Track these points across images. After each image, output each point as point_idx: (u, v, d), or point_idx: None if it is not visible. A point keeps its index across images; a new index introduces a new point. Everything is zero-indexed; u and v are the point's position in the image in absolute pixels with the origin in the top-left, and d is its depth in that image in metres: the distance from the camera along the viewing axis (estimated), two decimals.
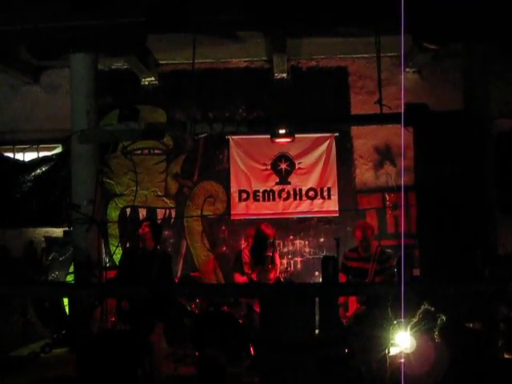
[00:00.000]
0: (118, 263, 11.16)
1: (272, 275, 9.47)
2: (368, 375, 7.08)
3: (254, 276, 9.45)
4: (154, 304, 7.49)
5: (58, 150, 11.76)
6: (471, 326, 7.44)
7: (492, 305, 7.16)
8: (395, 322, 8.17)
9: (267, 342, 4.98)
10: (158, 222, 11.44)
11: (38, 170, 11.34)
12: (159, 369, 7.68)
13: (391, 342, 8.26)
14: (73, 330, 8.67)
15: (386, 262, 8.74)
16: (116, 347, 7.07)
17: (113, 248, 11.67)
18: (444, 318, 6.98)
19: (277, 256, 9.77)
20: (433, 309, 6.83)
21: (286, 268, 11.45)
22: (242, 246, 11.00)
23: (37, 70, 12.24)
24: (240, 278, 9.60)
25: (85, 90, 9.44)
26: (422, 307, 6.94)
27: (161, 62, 11.98)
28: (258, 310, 8.91)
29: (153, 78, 11.97)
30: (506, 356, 7.48)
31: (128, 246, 11.17)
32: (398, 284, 4.54)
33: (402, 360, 6.83)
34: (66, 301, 10.69)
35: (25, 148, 12.22)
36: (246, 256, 9.67)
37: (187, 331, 9.06)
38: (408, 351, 9.17)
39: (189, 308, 9.38)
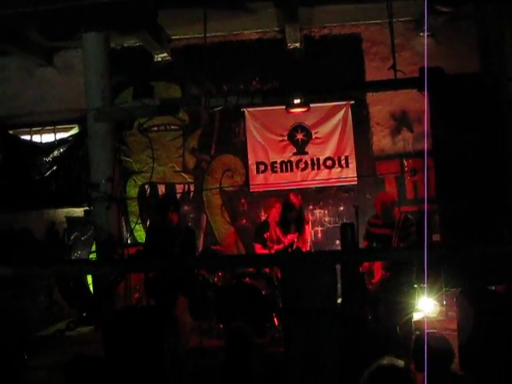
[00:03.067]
0: (140, 240, 11.27)
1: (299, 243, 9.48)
2: (393, 340, 7.12)
3: (286, 241, 9.46)
4: (178, 277, 7.54)
5: (75, 130, 11.78)
6: (493, 288, 7.45)
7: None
8: (419, 287, 8.22)
9: (290, 311, 5.01)
10: (178, 196, 11.52)
11: (56, 152, 11.38)
12: (184, 342, 7.73)
13: (415, 307, 8.32)
14: (98, 308, 8.77)
15: (409, 227, 8.71)
16: (141, 323, 7.14)
17: (133, 225, 11.74)
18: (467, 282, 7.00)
19: (307, 227, 9.74)
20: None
21: None
22: (263, 218, 11.01)
23: (50, 52, 12.27)
24: (261, 250, 9.63)
25: (98, 69, 9.44)
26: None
27: (173, 37, 11.95)
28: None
29: (165, 54, 11.95)
30: None
31: (150, 222, 11.20)
32: (419, 248, 4.52)
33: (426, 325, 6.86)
34: (89, 280, 10.80)
35: (41, 130, 12.28)
36: (273, 229, 9.69)
37: (211, 304, 9.13)
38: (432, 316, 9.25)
39: (211, 281, 9.43)
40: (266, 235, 9.73)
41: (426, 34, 11.37)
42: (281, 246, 9.49)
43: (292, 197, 9.63)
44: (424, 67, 8.43)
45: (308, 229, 9.82)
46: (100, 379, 3.89)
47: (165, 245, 7.81)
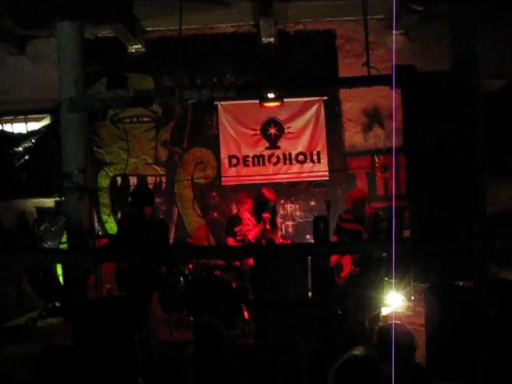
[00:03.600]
0: (110, 232, 11.24)
1: (271, 236, 9.48)
2: (361, 334, 7.18)
3: (250, 236, 9.46)
4: (150, 269, 7.54)
5: (47, 120, 11.68)
6: (461, 284, 7.54)
7: (481, 262, 7.25)
8: (387, 282, 8.32)
9: (261, 302, 5.05)
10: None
11: (28, 142, 11.28)
12: (155, 335, 7.75)
13: (383, 301, 8.41)
14: (67, 299, 8.74)
15: (379, 223, 8.78)
16: (112, 314, 7.13)
17: (104, 217, 11.71)
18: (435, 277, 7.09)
19: (278, 220, 9.78)
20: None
21: None
22: (234, 211, 11.03)
23: (23, 41, 12.14)
24: (233, 243, 9.64)
25: (72, 59, 9.38)
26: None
27: (147, 29, 11.90)
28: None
29: (140, 46, 11.90)
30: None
31: (122, 214, 11.16)
32: (388, 242, 4.59)
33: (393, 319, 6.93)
34: (59, 271, 10.75)
35: (13, 119, 12.18)
36: (247, 218, 9.70)
37: (181, 297, 9.13)
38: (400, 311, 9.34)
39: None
40: (237, 229, 9.76)
41: (394, 32, 11.46)
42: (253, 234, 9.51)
43: (266, 192, 9.66)
44: (397, 65, 8.51)
45: (278, 222, 9.86)
46: (71, 369, 3.89)
47: (138, 237, 7.80)
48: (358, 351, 3.47)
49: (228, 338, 5.47)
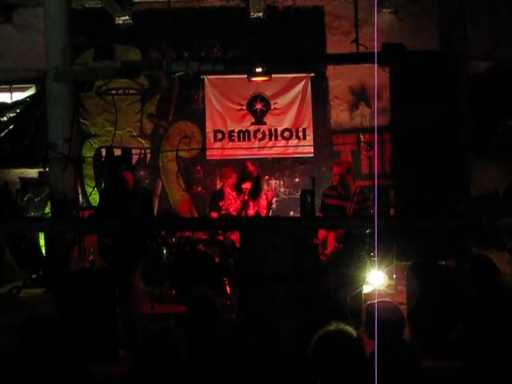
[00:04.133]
0: (94, 204, 11.20)
1: (252, 211, 9.43)
2: (342, 312, 7.22)
3: (231, 210, 9.44)
4: (136, 239, 7.52)
5: (32, 90, 11.62)
6: (443, 263, 7.60)
7: (464, 241, 7.31)
8: (370, 260, 8.35)
9: (245, 276, 5.06)
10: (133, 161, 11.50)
11: (12, 112, 11.23)
12: (137, 307, 7.74)
13: (366, 279, 8.45)
14: (50, 270, 8.72)
15: (364, 201, 8.78)
16: (94, 286, 7.13)
17: (88, 189, 11.67)
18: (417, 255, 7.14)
19: (263, 195, 9.66)
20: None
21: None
22: (218, 186, 11.03)
23: (8, 9, 12.01)
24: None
25: (59, 29, 9.26)
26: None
27: (135, 0, 11.80)
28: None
29: (127, 17, 11.81)
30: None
31: (105, 185, 11.12)
32: (373, 218, 4.60)
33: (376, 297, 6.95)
34: (42, 242, 10.72)
35: None
36: (229, 193, 9.65)
37: (164, 270, 9.15)
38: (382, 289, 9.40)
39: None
40: (221, 203, 9.74)
41: (377, 11, 11.45)
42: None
43: (249, 164, 9.60)
44: (385, 43, 8.52)
45: (262, 197, 9.76)
46: (53, 339, 3.88)
47: (121, 206, 7.75)
48: (333, 326, 3.49)
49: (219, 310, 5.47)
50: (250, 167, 9.45)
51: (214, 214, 9.64)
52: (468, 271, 6.67)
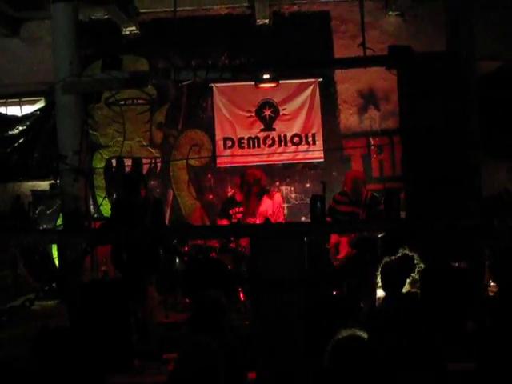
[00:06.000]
0: (106, 214, 11.23)
1: (250, 219, 9.44)
2: (357, 315, 7.19)
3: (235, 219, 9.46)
4: (149, 249, 7.53)
5: (41, 103, 11.68)
6: (457, 265, 7.57)
7: (477, 242, 7.27)
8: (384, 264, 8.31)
9: (257, 282, 5.05)
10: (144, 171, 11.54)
11: (23, 125, 11.29)
12: (152, 316, 7.75)
13: (379, 283, 8.41)
14: (63, 281, 8.74)
15: (376, 206, 8.76)
16: (107, 296, 7.14)
17: (99, 199, 11.69)
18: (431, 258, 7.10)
19: (264, 200, 9.62)
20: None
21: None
22: (229, 194, 11.03)
23: (16, 23, 12.04)
24: None
25: (66, 41, 9.33)
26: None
27: (141, 10, 11.80)
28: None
29: (134, 28, 11.82)
30: (491, 294, 7.63)
31: (116, 199, 11.14)
32: (385, 222, 4.59)
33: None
34: (55, 254, 10.75)
35: (7, 102, 12.12)
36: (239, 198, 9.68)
37: (177, 279, 9.15)
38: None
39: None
40: (232, 211, 9.75)
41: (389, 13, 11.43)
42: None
43: (248, 170, 9.63)
44: (392, 46, 8.51)
45: (263, 202, 9.71)
46: (66, 351, 3.87)
47: (133, 217, 7.76)
48: (349, 332, 3.48)
49: (228, 312, 5.45)
50: (249, 173, 9.48)
51: (224, 222, 9.64)
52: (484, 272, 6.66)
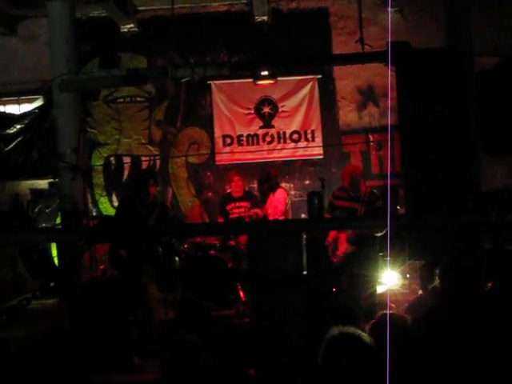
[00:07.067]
0: (105, 212, 11.23)
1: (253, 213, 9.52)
2: (356, 312, 7.17)
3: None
4: (147, 247, 7.53)
5: (39, 101, 11.63)
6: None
7: (476, 237, 7.24)
8: (383, 260, 8.31)
9: (255, 279, 5.03)
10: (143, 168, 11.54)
11: (21, 124, 11.25)
12: (151, 314, 7.74)
13: (379, 279, 8.41)
14: (62, 280, 8.71)
15: (374, 202, 8.73)
16: (106, 295, 7.12)
17: (98, 197, 11.68)
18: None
19: (269, 196, 9.68)
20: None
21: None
22: (228, 191, 11.02)
23: (13, 21, 12.03)
24: None
25: (64, 39, 9.31)
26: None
27: (139, 8, 11.82)
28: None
29: (132, 25, 11.82)
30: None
31: (126, 196, 11.13)
32: (385, 218, 4.56)
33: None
34: (54, 253, 10.73)
35: (5, 101, 12.10)
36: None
37: (177, 276, 9.13)
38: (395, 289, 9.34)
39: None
40: (228, 207, 9.78)
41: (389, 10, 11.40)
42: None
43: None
44: (391, 42, 8.48)
45: (271, 200, 9.76)
46: (69, 350, 3.85)
47: (139, 218, 7.77)
48: (341, 329, 3.46)
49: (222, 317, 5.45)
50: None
51: (220, 220, 9.67)
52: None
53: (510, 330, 4.34)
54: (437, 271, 5.60)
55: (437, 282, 5.28)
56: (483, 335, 4.29)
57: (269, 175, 9.62)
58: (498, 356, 4.18)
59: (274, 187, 9.65)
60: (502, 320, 4.43)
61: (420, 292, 6.84)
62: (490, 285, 5.34)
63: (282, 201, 9.63)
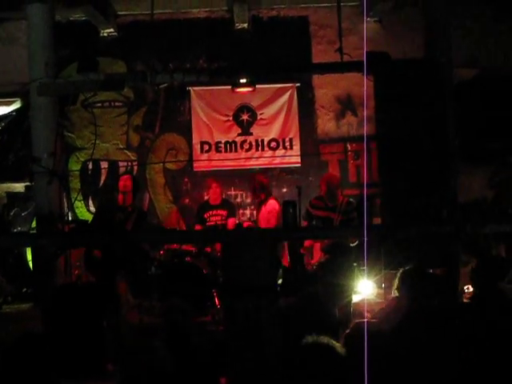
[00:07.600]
0: (81, 217, 11.18)
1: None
2: (332, 321, 7.16)
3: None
4: (121, 253, 7.50)
5: (17, 104, 11.56)
6: (431, 271, 7.56)
7: (451, 248, 7.28)
8: (358, 269, 8.32)
9: (230, 288, 5.02)
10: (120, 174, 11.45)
11: None
12: (125, 320, 7.70)
13: (354, 289, 8.41)
14: (37, 284, 8.66)
15: (351, 212, 8.76)
16: (81, 300, 7.08)
17: (75, 202, 11.61)
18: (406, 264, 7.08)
19: (263, 210, 9.75)
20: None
21: (249, 219, 11.40)
22: (206, 198, 11.01)
23: None
24: None
25: (42, 42, 9.25)
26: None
27: (120, 13, 11.77)
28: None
29: (112, 30, 11.77)
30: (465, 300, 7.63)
31: (103, 201, 11.09)
32: (359, 228, 4.57)
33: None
34: (29, 256, 10.66)
35: None
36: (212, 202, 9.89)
37: (152, 282, 9.09)
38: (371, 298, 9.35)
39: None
40: (206, 215, 9.79)
41: (367, 19, 11.43)
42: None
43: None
44: (370, 52, 8.51)
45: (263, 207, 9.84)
46: (45, 356, 3.81)
47: (117, 224, 7.76)
48: (314, 338, 3.46)
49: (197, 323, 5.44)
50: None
51: (198, 227, 9.67)
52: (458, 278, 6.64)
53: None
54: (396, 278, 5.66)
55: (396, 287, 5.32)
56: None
57: (261, 184, 9.69)
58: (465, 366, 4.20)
59: (268, 195, 9.76)
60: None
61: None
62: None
63: (274, 213, 9.67)
